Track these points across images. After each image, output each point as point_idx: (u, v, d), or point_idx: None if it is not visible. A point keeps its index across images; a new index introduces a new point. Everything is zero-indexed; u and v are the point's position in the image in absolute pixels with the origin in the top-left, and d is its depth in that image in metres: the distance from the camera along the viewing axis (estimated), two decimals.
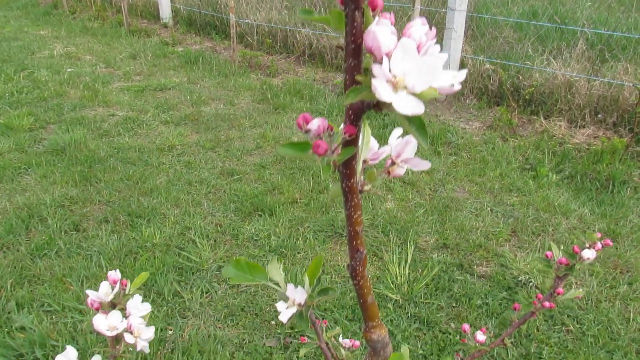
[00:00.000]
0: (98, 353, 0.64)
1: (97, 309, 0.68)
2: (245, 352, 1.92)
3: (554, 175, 3.28)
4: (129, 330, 0.64)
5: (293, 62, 5.89)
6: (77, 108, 4.32)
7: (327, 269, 2.40)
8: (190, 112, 4.27)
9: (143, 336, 0.65)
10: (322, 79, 5.33)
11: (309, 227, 2.71)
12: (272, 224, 2.72)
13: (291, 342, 1.99)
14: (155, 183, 3.10)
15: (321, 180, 3.17)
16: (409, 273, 2.34)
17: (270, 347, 1.97)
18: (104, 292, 0.68)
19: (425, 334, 2.04)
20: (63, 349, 1.86)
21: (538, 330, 2.06)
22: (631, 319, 2.11)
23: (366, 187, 0.45)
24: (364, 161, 0.46)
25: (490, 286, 2.30)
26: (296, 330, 2.04)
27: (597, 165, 3.30)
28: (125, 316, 0.65)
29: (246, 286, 2.28)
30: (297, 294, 0.57)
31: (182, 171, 3.28)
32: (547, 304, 0.84)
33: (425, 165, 0.46)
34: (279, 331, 2.03)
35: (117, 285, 0.69)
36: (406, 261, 2.39)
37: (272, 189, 3.10)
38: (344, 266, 2.42)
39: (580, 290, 0.82)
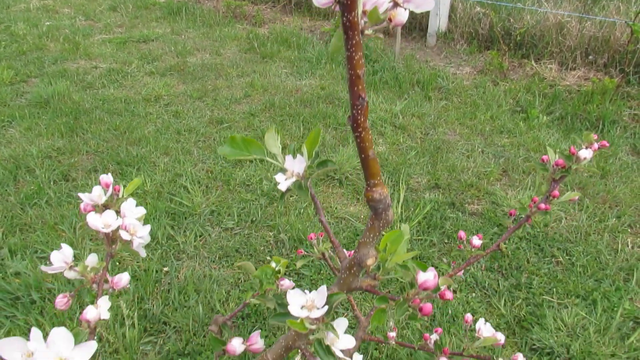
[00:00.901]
0: (94, 252, 0.63)
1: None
2: (241, 290, 1.94)
3: (545, 117, 3.27)
4: (123, 228, 0.63)
5: (279, 11, 5.74)
6: (59, 61, 4.20)
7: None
8: (176, 63, 4.17)
9: (138, 234, 0.64)
10: (309, 28, 5.21)
11: None
12: (264, 169, 2.70)
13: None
14: (144, 132, 3.05)
15: (312, 125, 3.14)
16: (402, 212, 2.36)
17: None
18: (97, 194, 0.66)
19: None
20: (59, 291, 1.85)
21: (528, 262, 2.10)
22: (619, 250, 2.16)
23: (367, 31, 0.43)
24: (364, 12, 0.43)
25: (481, 223, 2.33)
26: (291, 268, 2.06)
27: (588, 106, 3.30)
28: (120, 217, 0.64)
29: (240, 229, 2.28)
30: (296, 165, 0.56)
31: (170, 120, 3.23)
32: (542, 205, 0.84)
33: (429, 4, 0.43)
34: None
35: (110, 189, 0.68)
36: (398, 201, 2.40)
37: (262, 136, 3.05)
38: (336, 207, 2.43)
39: (576, 192, 0.82)
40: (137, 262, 2.07)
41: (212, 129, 3.14)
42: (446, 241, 2.23)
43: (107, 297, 0.59)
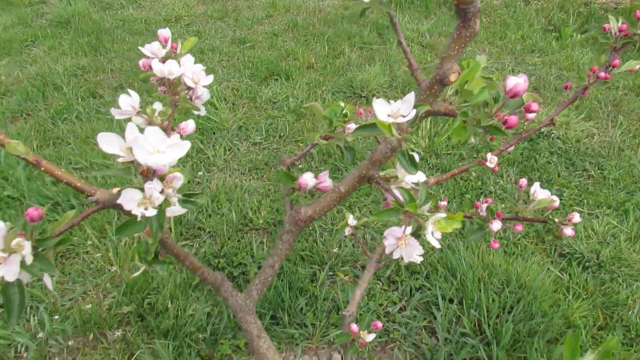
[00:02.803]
0: (159, 101, 0.64)
1: (151, 67, 0.67)
2: (272, 200, 1.97)
3: (578, 36, 3.15)
4: (185, 76, 0.63)
5: None
6: None
7: None
8: None
9: (202, 82, 0.64)
10: None
11: (326, 89, 2.66)
12: (290, 87, 2.67)
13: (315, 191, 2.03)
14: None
15: (336, 45, 3.07)
16: (430, 128, 2.33)
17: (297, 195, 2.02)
18: (157, 47, 0.66)
19: (447, 182, 2.07)
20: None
21: (559, 175, 2.08)
22: None
23: None
24: None
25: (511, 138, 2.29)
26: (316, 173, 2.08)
27: None
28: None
29: (268, 143, 2.29)
30: None
31: None
32: (602, 74, 0.81)
33: None
34: None
35: (168, 45, 0.67)
36: (428, 119, 2.37)
37: (286, 55, 3.01)
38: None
39: (638, 61, 0.79)
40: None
41: (235, 49, 3.08)
42: (475, 156, 2.21)
43: (177, 135, 0.60)
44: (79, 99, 2.56)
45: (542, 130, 2.32)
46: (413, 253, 0.48)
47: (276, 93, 2.62)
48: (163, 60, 0.66)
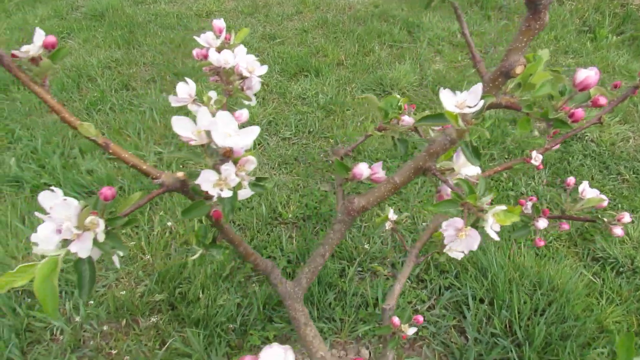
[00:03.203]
0: (213, 90, 0.65)
1: (205, 57, 0.68)
2: (301, 195, 1.98)
3: (614, 37, 3.09)
4: (241, 66, 0.64)
5: None
6: None
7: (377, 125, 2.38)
8: None
9: (256, 72, 0.65)
10: None
11: (356, 86, 2.66)
12: (319, 83, 2.68)
13: None
14: (198, 46, 3.04)
15: (366, 43, 3.07)
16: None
17: (325, 191, 2.02)
18: (211, 36, 0.67)
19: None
20: (129, 187, 1.92)
21: (593, 179, 2.05)
22: None
23: None
24: None
25: (543, 140, 2.26)
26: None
27: None
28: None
29: (297, 139, 2.30)
30: None
31: None
32: None
33: None
34: (332, 177, 2.08)
35: (222, 35, 0.68)
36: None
37: (316, 51, 3.01)
38: None
39: None
40: (200, 167, 2.12)
41: (265, 44, 3.10)
42: (506, 157, 2.19)
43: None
44: (113, 91, 2.61)
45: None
46: (474, 244, 0.48)
47: (306, 89, 2.63)
48: (218, 50, 0.67)
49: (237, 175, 0.44)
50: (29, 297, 1.58)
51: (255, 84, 0.67)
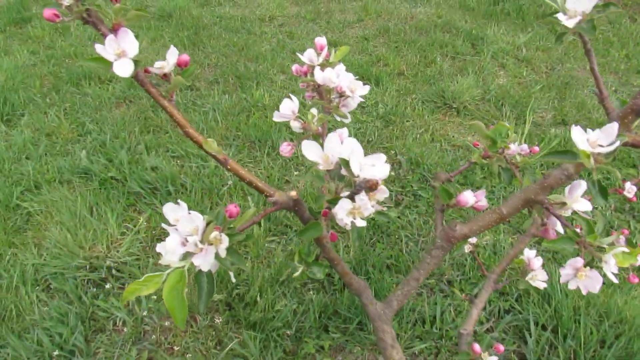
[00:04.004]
0: (312, 105, 0.66)
1: (305, 74, 0.69)
2: None
3: None
4: (342, 87, 0.64)
5: None
6: None
7: (437, 138, 2.36)
8: None
9: (358, 92, 0.65)
10: None
11: (416, 97, 2.64)
12: (379, 93, 2.67)
13: (403, 199, 2.02)
14: (260, 50, 3.10)
15: (428, 53, 3.04)
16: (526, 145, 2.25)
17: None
18: (313, 54, 0.68)
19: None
20: (191, 186, 1.96)
21: None
22: None
23: None
24: None
25: (612, 165, 2.18)
26: (407, 189, 2.07)
27: None
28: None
29: None
30: (581, 3, 0.51)
31: (285, 40, 3.24)
32: None
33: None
34: (391, 189, 2.06)
35: (323, 53, 0.69)
36: (522, 133, 2.30)
37: (376, 60, 3.01)
38: (453, 135, 2.37)
39: None
40: (260, 170, 2.16)
41: None
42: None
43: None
44: (178, 90, 2.68)
45: None
46: (595, 286, 0.47)
47: (366, 98, 2.63)
48: (314, 67, 0.67)
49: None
50: (95, 286, 1.65)
51: (353, 102, 0.67)
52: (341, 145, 0.43)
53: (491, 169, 0.61)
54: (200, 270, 0.44)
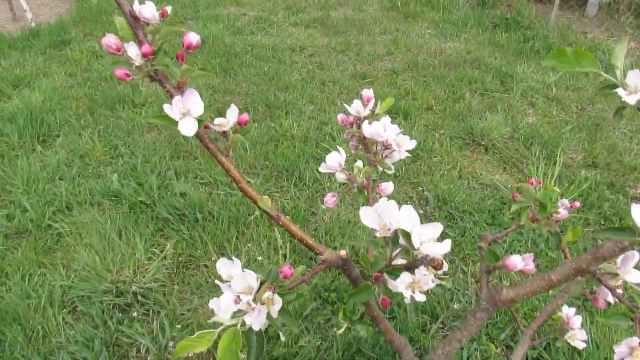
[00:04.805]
0: (358, 159, 0.66)
1: (351, 124, 0.70)
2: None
3: None
4: (388, 140, 0.65)
5: None
6: (211, 6, 4.43)
7: (465, 175, 2.34)
8: (319, 16, 4.22)
9: (404, 147, 0.66)
10: None
11: (444, 132, 2.64)
12: (407, 127, 2.68)
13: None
14: (290, 80, 3.15)
15: (457, 89, 3.04)
16: (554, 186, 2.23)
17: None
18: (359, 107, 0.69)
19: (570, 247, 1.96)
20: (219, 214, 1.98)
21: None
22: None
23: None
24: None
25: None
26: (430, 219, 2.04)
27: None
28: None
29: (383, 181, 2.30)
30: None
31: (315, 71, 3.29)
32: None
33: None
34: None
35: (370, 104, 0.70)
36: (552, 175, 2.27)
37: (405, 94, 3.03)
38: (481, 173, 2.36)
39: None
40: (286, 200, 2.17)
41: (355, 83, 3.15)
42: (602, 223, 2.08)
43: (384, 198, 0.62)
44: (208, 118, 2.73)
45: None
46: None
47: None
48: (363, 119, 0.68)
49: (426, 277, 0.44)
50: (120, 311, 1.66)
51: (398, 154, 0.68)
52: (398, 213, 0.43)
53: (540, 230, 0.60)
54: (250, 328, 0.44)
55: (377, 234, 0.45)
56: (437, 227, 0.43)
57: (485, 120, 2.69)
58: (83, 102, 2.89)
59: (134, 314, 1.62)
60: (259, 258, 1.81)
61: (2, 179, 2.24)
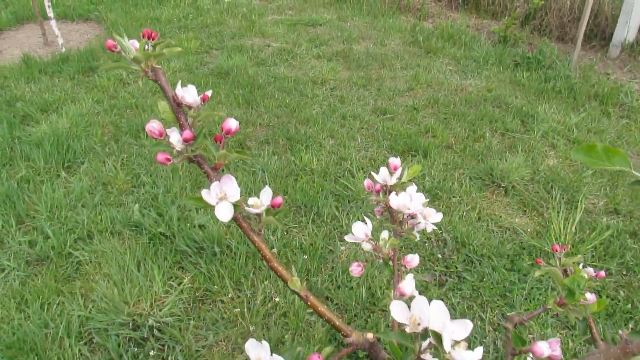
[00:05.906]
0: (384, 228, 0.67)
1: (378, 192, 0.71)
2: None
3: None
4: (417, 211, 0.66)
5: (445, 6, 5.62)
6: (236, 36, 4.52)
7: (484, 217, 2.33)
8: (342, 49, 4.28)
9: (431, 219, 0.66)
10: (475, 25, 5.04)
11: (464, 172, 2.64)
12: (426, 165, 2.68)
13: (447, 280, 1.99)
14: (311, 113, 3.18)
15: (477, 128, 3.05)
16: (576, 233, 2.20)
17: (426, 282, 1.99)
18: (386, 175, 0.70)
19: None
20: (237, 248, 1.99)
21: None
22: None
23: None
24: None
25: None
26: (451, 269, 2.03)
27: None
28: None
29: None
30: None
31: (336, 105, 3.33)
32: None
33: None
34: (435, 269, 2.04)
35: (397, 173, 0.71)
36: (573, 220, 2.24)
37: (425, 131, 3.04)
38: (500, 216, 2.34)
39: None
40: (304, 236, 2.17)
41: (376, 118, 3.18)
42: (625, 273, 2.04)
43: (411, 275, 0.63)
44: (230, 148, 2.77)
45: None
46: None
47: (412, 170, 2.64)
48: (391, 188, 0.69)
49: None
50: (136, 345, 1.67)
51: (425, 225, 0.68)
52: (429, 309, 0.44)
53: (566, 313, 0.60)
54: None
55: (407, 329, 0.45)
56: (467, 325, 0.43)
57: (506, 161, 2.68)
58: (108, 129, 2.96)
59: (149, 351, 1.63)
60: (276, 299, 1.81)
61: (27, 204, 2.29)
